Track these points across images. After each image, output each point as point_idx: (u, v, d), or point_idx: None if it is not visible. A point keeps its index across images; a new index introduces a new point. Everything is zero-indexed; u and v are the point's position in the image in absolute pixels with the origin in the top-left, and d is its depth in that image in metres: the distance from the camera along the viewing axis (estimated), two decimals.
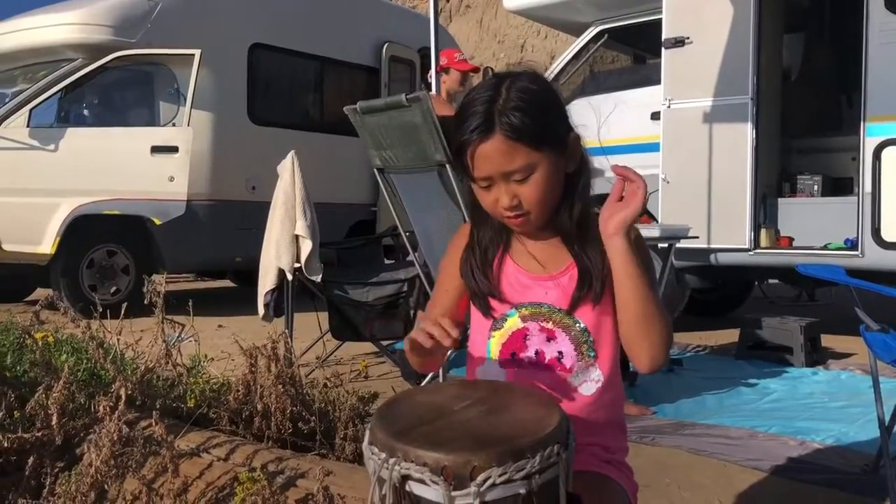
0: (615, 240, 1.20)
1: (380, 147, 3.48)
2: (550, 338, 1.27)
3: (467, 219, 1.37)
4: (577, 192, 1.27)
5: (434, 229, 3.51)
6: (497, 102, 1.19)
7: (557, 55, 6.77)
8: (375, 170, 3.65)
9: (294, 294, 4.04)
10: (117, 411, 1.66)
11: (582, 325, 1.26)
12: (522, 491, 0.95)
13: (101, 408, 1.68)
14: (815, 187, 5.49)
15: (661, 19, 5.38)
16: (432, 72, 4.74)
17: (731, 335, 5.11)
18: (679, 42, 5.28)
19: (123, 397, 1.69)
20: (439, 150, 3.13)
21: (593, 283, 1.24)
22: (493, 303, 1.30)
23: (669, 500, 2.39)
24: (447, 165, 3.12)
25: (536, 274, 1.29)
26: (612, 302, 1.25)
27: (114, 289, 6.58)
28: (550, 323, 1.27)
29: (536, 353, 1.27)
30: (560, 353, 1.26)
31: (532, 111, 1.19)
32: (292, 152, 4.03)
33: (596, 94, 6.07)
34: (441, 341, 1.13)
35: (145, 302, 2.21)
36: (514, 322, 1.29)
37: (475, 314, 1.34)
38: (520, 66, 1.27)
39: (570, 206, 1.26)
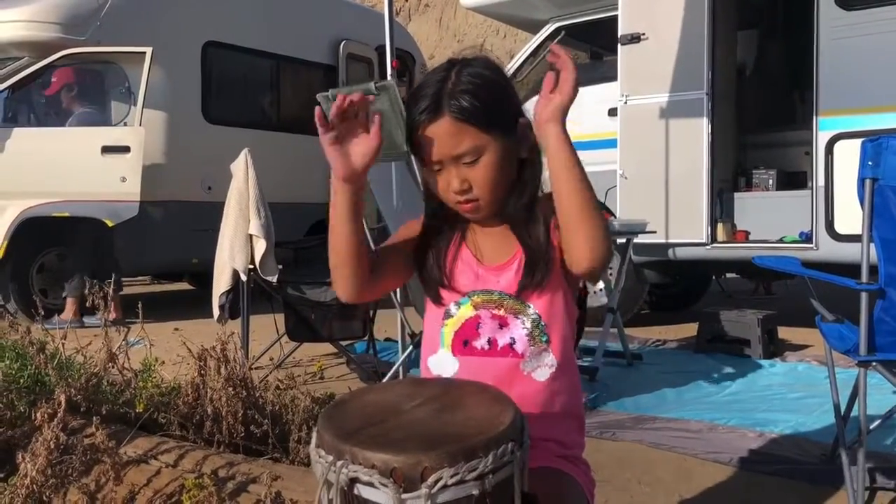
0: (549, 126, 1.15)
1: None
2: (503, 325, 1.26)
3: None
4: (527, 178, 1.26)
5: (404, 219, 3.60)
6: (447, 85, 1.20)
7: (516, 54, 6.78)
8: None
9: (249, 295, 3.96)
10: (56, 418, 1.58)
11: (533, 310, 1.25)
12: (475, 492, 0.92)
13: (38, 415, 1.60)
14: (770, 181, 5.56)
15: (616, 16, 5.40)
16: (388, 70, 4.70)
17: (690, 329, 5.15)
18: (635, 38, 5.30)
19: (63, 403, 1.61)
20: (405, 139, 3.23)
21: (539, 269, 1.23)
22: (445, 292, 1.29)
23: (630, 496, 2.38)
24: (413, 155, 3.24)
25: (488, 262, 1.29)
26: (561, 282, 1.25)
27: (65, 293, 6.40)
28: (502, 310, 1.26)
29: (489, 340, 1.26)
30: (512, 339, 1.25)
31: (480, 94, 1.19)
32: (245, 150, 3.95)
33: None
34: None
35: (86, 305, 2.13)
36: (466, 310, 1.27)
37: (428, 304, 1.33)
38: (473, 52, 1.27)
39: (520, 193, 1.25)
